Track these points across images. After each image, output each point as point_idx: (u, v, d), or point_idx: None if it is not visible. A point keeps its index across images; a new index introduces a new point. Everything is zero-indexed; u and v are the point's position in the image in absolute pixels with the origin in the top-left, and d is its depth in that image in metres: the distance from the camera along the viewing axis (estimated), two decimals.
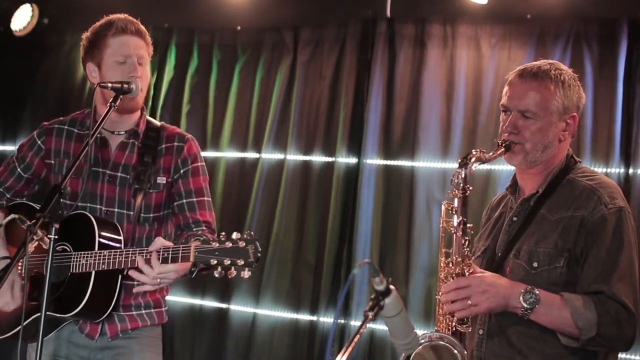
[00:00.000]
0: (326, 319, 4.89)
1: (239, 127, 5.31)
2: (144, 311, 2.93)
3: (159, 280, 2.60)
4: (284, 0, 5.24)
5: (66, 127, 3.00)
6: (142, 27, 2.92)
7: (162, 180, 2.88)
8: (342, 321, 4.81)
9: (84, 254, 2.69)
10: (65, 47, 5.81)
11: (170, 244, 2.61)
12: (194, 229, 2.87)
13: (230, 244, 2.46)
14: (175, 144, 2.94)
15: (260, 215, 5.17)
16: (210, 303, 5.23)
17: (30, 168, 3.00)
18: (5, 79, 5.85)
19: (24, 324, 2.72)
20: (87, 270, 2.67)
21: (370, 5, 4.99)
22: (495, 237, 2.63)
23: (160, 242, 2.61)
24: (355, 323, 4.78)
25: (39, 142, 2.99)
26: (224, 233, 2.51)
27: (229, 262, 2.45)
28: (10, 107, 5.91)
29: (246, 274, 2.45)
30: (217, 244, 2.47)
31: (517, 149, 2.52)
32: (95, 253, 2.68)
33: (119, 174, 2.88)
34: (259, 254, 2.48)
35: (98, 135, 2.87)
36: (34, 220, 2.40)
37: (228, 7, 5.25)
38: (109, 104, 2.69)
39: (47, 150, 2.98)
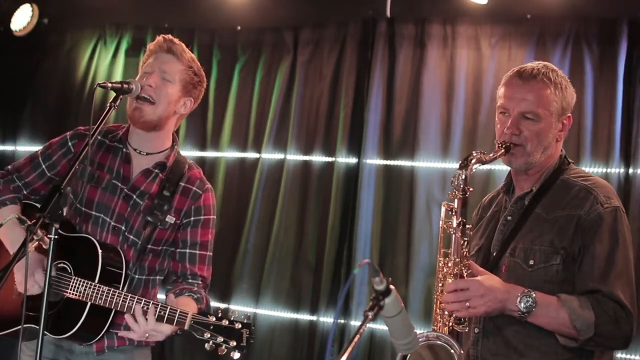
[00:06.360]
0: (326, 319, 4.89)
1: (239, 127, 5.31)
2: None
3: (147, 335, 2.61)
4: (284, 0, 5.24)
5: (99, 137, 2.99)
6: (180, 49, 2.92)
7: (171, 219, 2.87)
8: (342, 321, 4.81)
9: (83, 282, 2.69)
10: (65, 47, 5.81)
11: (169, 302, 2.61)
12: (190, 281, 2.89)
13: (227, 323, 2.50)
14: (194, 189, 2.93)
15: (260, 215, 5.17)
16: (210, 303, 5.22)
17: (55, 167, 2.97)
18: (5, 79, 5.86)
19: (16, 328, 2.75)
20: (84, 299, 2.68)
21: (370, 5, 4.99)
22: (489, 236, 2.64)
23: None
24: (355, 323, 4.78)
25: (70, 144, 2.97)
26: (221, 308, 2.52)
27: (222, 340, 2.48)
28: (10, 107, 5.91)
29: (236, 355, 2.48)
30: (214, 319, 2.50)
31: (517, 151, 2.52)
32: (95, 285, 2.68)
33: (134, 196, 2.88)
34: (252, 340, 2.50)
35: (124, 150, 2.91)
36: (34, 221, 2.39)
37: (228, 7, 5.26)
38: (108, 104, 2.68)
39: (75, 154, 2.94)
